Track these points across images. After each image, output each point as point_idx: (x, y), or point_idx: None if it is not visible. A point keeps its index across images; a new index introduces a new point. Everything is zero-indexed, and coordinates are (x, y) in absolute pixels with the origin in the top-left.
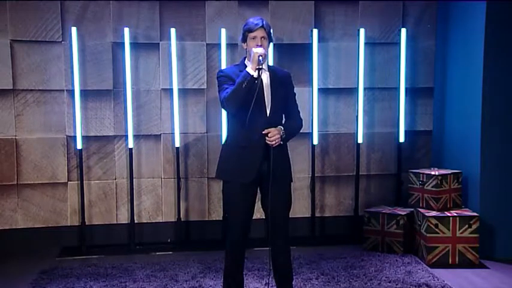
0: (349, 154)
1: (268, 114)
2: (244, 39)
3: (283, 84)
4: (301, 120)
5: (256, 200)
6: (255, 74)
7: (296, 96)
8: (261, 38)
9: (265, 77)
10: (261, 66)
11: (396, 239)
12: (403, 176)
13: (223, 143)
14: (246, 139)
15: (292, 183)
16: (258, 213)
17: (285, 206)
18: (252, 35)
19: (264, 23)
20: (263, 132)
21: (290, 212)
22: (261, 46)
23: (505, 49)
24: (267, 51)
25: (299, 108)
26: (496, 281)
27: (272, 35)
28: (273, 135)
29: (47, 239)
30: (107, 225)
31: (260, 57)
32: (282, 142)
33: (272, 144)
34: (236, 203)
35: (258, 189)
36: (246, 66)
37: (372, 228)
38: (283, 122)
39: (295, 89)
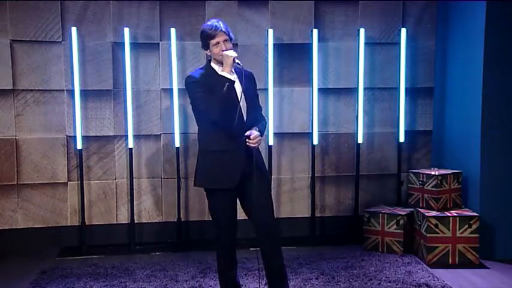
0: (349, 154)
1: (245, 116)
2: (206, 47)
3: (251, 84)
4: (265, 117)
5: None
6: (232, 77)
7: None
8: (224, 41)
9: (233, 77)
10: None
11: (396, 239)
12: (403, 176)
13: (198, 150)
14: (225, 143)
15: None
16: None
17: (271, 205)
18: (213, 41)
19: (222, 25)
20: (245, 134)
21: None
22: (228, 49)
23: (505, 49)
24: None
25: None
26: (496, 281)
27: (231, 32)
28: (256, 137)
29: (46, 239)
30: (107, 225)
31: (235, 59)
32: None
33: (255, 147)
34: (225, 208)
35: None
36: (213, 69)
37: (371, 228)
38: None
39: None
